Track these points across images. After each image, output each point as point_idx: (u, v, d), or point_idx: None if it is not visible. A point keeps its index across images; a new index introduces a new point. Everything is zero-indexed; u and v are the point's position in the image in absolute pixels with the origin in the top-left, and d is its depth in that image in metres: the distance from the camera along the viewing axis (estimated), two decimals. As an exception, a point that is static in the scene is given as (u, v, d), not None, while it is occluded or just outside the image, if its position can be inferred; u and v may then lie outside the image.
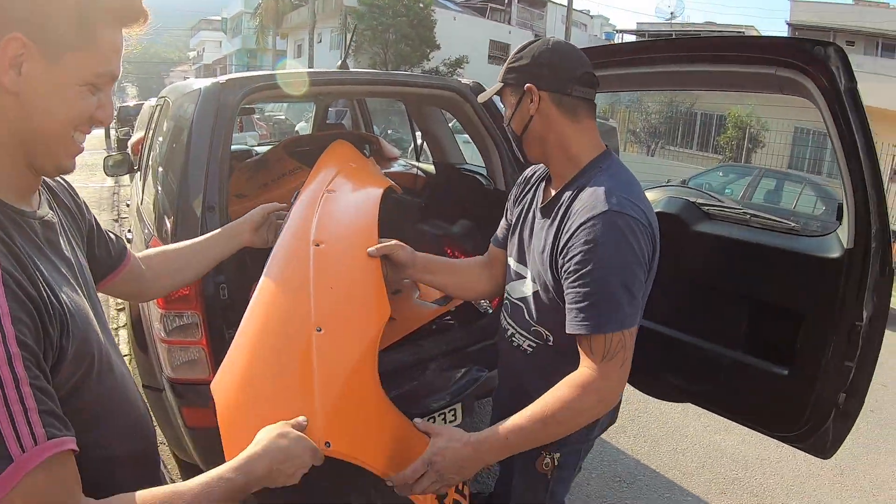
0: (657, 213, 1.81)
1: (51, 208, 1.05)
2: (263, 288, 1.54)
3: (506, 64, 1.54)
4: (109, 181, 13.67)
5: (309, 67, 25.30)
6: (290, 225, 1.75)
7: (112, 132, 23.68)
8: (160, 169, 2.54)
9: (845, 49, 1.60)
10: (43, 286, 0.85)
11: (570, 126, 1.49)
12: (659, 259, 1.49)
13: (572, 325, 1.37)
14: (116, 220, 9.39)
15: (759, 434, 2.01)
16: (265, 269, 1.58)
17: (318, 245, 1.70)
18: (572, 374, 1.37)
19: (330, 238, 1.75)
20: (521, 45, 1.55)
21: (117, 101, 30.81)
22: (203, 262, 1.55)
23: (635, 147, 20.24)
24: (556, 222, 1.47)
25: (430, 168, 3.91)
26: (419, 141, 4.14)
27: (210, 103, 2.20)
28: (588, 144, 1.50)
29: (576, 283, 1.36)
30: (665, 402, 3.32)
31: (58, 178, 1.15)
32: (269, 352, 1.42)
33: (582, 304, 1.35)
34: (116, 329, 5.14)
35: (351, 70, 2.82)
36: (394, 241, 1.76)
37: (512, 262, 1.70)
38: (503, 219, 1.84)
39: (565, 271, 1.40)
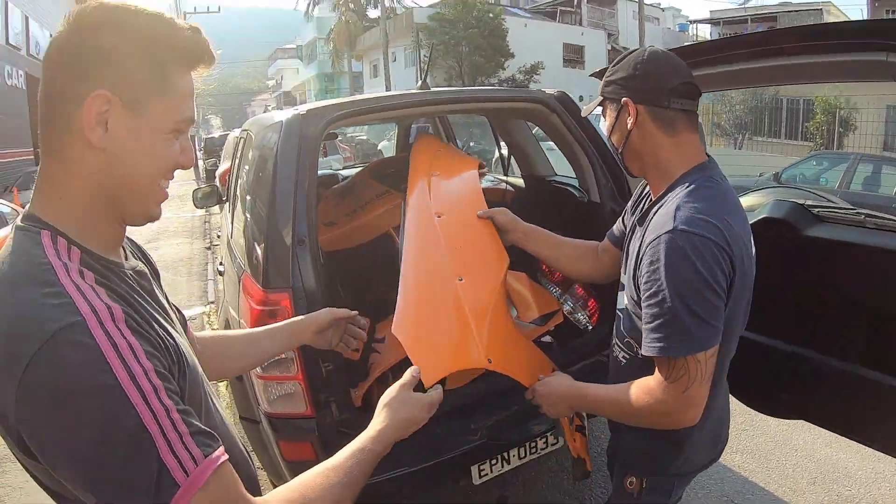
0: (763, 220, 1.90)
1: (136, 258, 1.06)
2: (409, 254, 2.06)
3: (604, 77, 1.53)
4: (200, 211, 14.35)
5: (386, 87, 25.77)
6: (413, 205, 2.30)
7: (200, 163, 24.98)
8: (248, 199, 2.55)
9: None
10: (157, 327, 0.87)
11: (667, 139, 1.45)
12: (768, 268, 1.51)
13: (643, 346, 1.39)
14: (209, 248, 9.79)
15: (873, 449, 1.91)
16: (404, 242, 2.10)
17: (439, 216, 2.25)
18: (648, 377, 1.42)
19: (447, 209, 2.29)
20: (618, 56, 1.55)
21: (203, 132, 32.40)
22: (259, 355, 1.51)
23: (722, 140, 19.40)
24: (641, 238, 1.46)
25: (519, 182, 3.81)
26: (505, 153, 4.04)
27: (293, 135, 2.18)
28: (682, 158, 1.46)
29: (645, 303, 1.37)
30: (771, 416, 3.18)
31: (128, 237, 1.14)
32: (429, 299, 1.98)
33: (650, 325, 1.36)
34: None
35: (431, 90, 2.77)
36: (499, 208, 2.15)
37: (621, 271, 1.67)
38: (619, 219, 1.83)
39: (638, 289, 1.41)
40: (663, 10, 43.50)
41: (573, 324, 3.09)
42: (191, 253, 9.69)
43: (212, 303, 6.84)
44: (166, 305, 1.03)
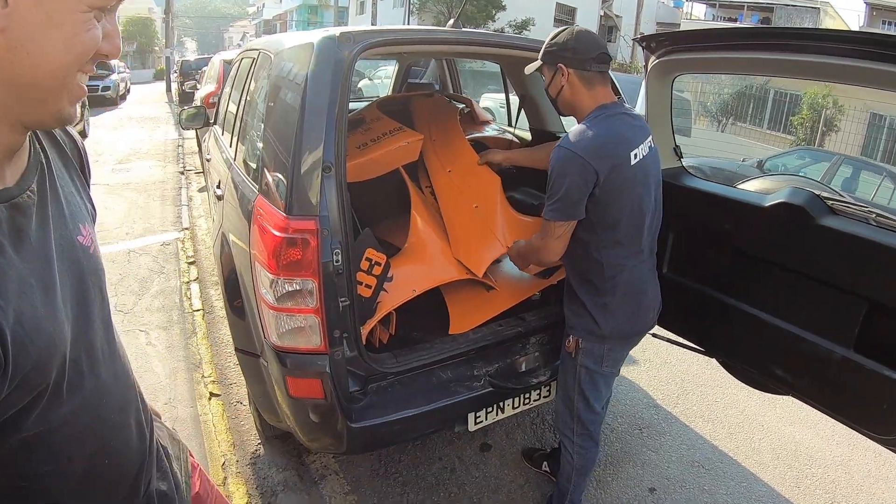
0: (781, 204, 2.15)
1: (45, 161, 0.87)
2: (442, 194, 3.06)
3: (543, 47, 2.15)
4: (173, 134, 13.87)
5: (372, 24, 25.04)
6: (431, 166, 3.18)
7: (174, 85, 24.08)
8: (262, 123, 2.42)
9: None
10: None
11: (586, 92, 2.09)
12: (778, 248, 2.18)
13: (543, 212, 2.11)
14: (182, 173, 9.48)
15: (831, 431, 2.14)
16: (435, 186, 3.13)
17: (449, 171, 3.11)
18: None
19: (452, 164, 3.12)
20: (553, 33, 2.15)
21: (177, 55, 31.13)
22: None
23: (705, 121, 19.43)
24: None
25: (526, 135, 3.73)
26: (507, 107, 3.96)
27: (326, 58, 2.05)
28: (594, 102, 2.09)
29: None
30: (741, 390, 3.44)
31: (69, 131, 0.98)
32: (462, 221, 2.92)
33: (546, 202, 2.08)
34: (188, 282, 5.18)
35: (463, 30, 2.65)
36: (490, 149, 3.08)
37: None
38: None
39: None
40: (658, -21, 42.86)
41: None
42: (164, 177, 9.36)
43: (186, 229, 6.65)
44: (44, 243, 0.81)
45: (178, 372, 3.77)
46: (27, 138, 0.81)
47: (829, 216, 2.06)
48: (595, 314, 2.17)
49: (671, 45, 2.41)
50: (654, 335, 2.59)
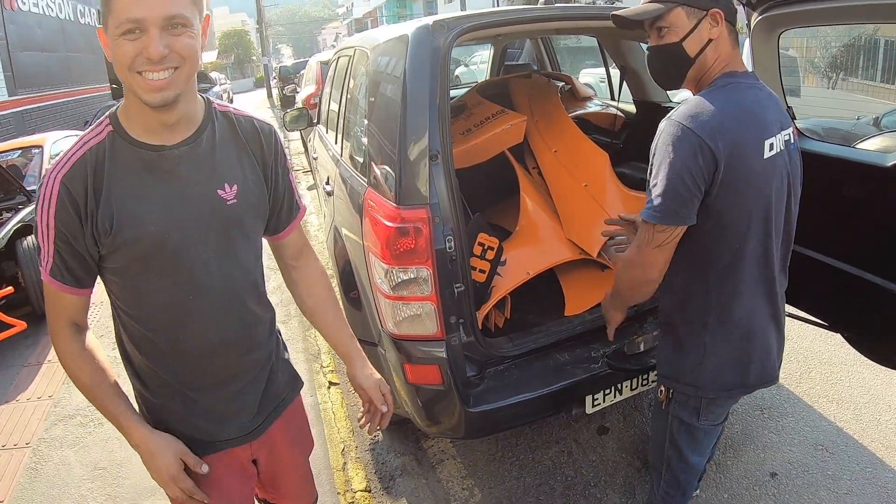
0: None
1: (209, 135, 1.30)
2: (550, 175, 3.06)
3: None
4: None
5: (462, 10, 25.07)
6: (536, 147, 3.20)
7: (275, 91, 25.14)
8: (365, 118, 2.48)
9: None
10: (100, 199, 1.19)
11: (730, 53, 1.58)
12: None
13: None
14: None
15: None
16: (542, 167, 3.12)
17: (555, 151, 3.13)
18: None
19: (557, 144, 3.13)
20: None
21: (275, 62, 32.50)
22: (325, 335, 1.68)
23: (814, 79, 18.09)
24: None
25: (630, 108, 3.62)
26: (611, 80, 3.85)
27: (423, 47, 2.07)
28: (720, 69, 1.59)
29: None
30: (868, 367, 3.22)
31: (258, 127, 1.39)
32: (573, 200, 2.90)
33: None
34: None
35: (555, 6, 2.60)
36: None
37: None
38: None
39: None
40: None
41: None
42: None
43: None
44: (191, 182, 1.27)
45: (298, 363, 3.94)
46: (201, 118, 1.30)
47: None
48: (693, 359, 1.72)
49: None
50: None
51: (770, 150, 1.53)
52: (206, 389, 1.39)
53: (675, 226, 1.53)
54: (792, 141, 1.62)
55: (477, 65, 12.63)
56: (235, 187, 1.31)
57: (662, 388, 1.85)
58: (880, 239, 2.10)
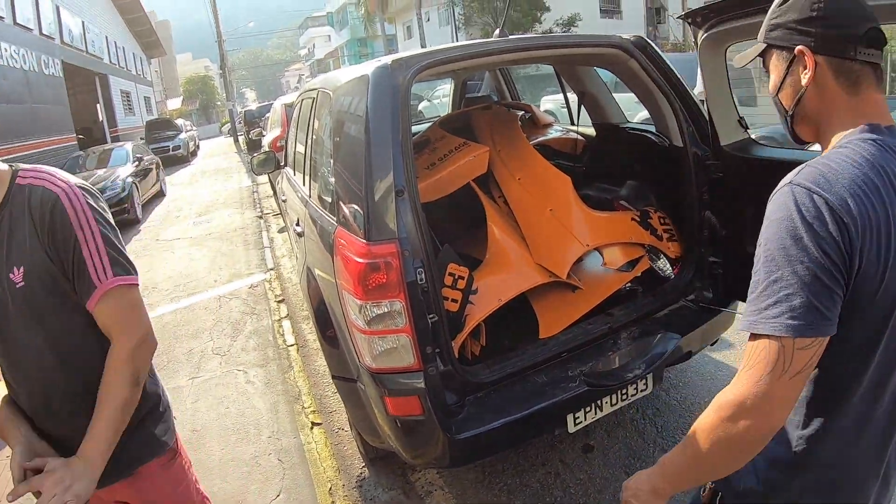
0: None
1: (7, 226, 1.35)
2: (515, 202, 3.12)
3: (768, 17, 1.21)
4: (246, 181, 14.48)
5: (421, 47, 25.49)
6: (500, 176, 3.24)
7: (241, 137, 25.18)
8: (330, 158, 2.53)
9: None
10: None
11: (846, 99, 1.13)
12: None
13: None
14: (261, 217, 9.89)
15: None
16: (507, 195, 3.18)
17: (518, 179, 3.19)
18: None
19: (521, 172, 3.19)
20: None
21: (239, 106, 32.59)
22: None
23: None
24: None
25: (590, 131, 3.72)
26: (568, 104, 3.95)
27: (383, 86, 2.14)
28: (851, 121, 1.13)
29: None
30: None
31: (43, 199, 1.36)
32: (539, 225, 2.97)
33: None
34: (279, 320, 5.38)
35: (510, 38, 2.69)
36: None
37: None
38: None
39: None
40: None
41: (657, 272, 3.08)
42: (243, 223, 9.80)
43: (271, 269, 6.93)
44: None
45: (279, 405, 3.92)
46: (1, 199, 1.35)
47: None
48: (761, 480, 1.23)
49: (716, 16, 2.34)
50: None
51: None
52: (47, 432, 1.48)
53: (813, 336, 1.02)
54: None
55: (440, 99, 12.82)
56: (23, 269, 1.34)
57: (709, 486, 1.36)
58: None
